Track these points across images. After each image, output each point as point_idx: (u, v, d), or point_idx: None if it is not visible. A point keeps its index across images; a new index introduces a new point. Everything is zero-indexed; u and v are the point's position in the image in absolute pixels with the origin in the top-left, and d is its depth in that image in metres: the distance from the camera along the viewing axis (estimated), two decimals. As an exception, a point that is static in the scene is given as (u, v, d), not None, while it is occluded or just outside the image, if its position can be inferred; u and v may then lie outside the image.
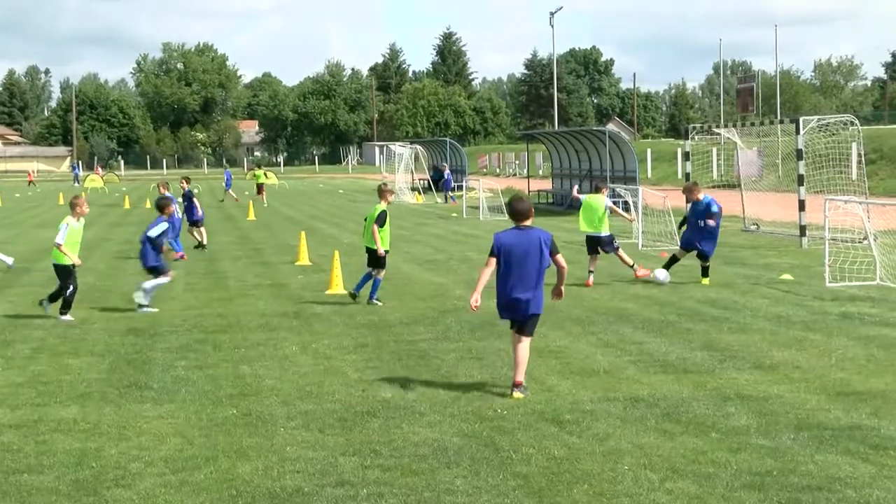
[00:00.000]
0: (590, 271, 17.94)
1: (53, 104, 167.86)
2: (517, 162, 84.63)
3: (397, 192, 52.94)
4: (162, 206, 15.95)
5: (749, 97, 66.40)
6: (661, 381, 10.36)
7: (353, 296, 15.91)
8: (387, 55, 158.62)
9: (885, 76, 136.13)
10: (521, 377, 9.80)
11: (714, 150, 43.00)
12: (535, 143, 66.37)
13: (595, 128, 54.74)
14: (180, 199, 26.64)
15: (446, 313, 14.97)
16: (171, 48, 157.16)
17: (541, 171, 71.61)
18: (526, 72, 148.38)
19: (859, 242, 20.45)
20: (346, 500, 6.91)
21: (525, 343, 9.85)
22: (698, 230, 17.68)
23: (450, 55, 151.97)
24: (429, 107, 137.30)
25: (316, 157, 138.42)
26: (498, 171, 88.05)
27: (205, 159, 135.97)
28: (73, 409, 9.51)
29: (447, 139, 68.60)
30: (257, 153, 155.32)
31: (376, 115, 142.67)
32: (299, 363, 11.52)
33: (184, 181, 27.74)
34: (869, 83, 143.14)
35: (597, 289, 17.14)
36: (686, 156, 31.10)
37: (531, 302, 9.73)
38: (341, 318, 14.63)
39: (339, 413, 9.18)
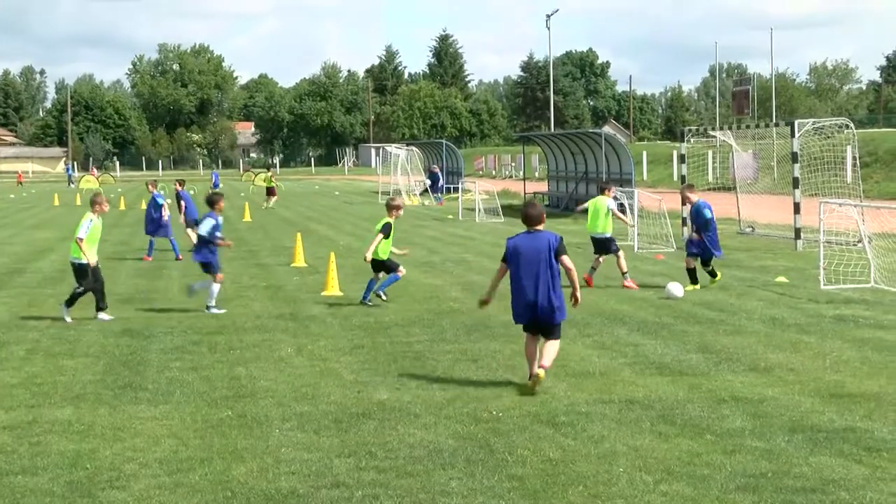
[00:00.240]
0: (592, 268, 17.98)
1: (48, 105, 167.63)
2: (513, 164, 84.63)
3: (392, 194, 52.98)
4: (213, 201, 15.74)
5: (745, 100, 66.48)
6: (657, 383, 10.37)
7: (376, 296, 15.99)
8: (383, 57, 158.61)
9: (879, 79, 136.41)
10: (547, 362, 9.95)
11: (710, 152, 43.06)
12: (531, 146, 66.40)
13: (591, 130, 54.80)
14: (170, 201, 26.66)
15: (442, 315, 14.98)
16: (167, 49, 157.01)
17: (537, 174, 71.62)
18: (522, 74, 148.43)
19: (854, 245, 20.50)
20: (341, 502, 6.91)
21: (553, 343, 10.07)
22: (697, 238, 17.35)
23: (446, 57, 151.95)
24: (425, 109, 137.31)
25: (312, 159, 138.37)
26: (494, 173, 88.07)
27: (200, 161, 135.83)
28: (67, 410, 9.50)
29: (443, 141, 68.63)
30: (253, 154, 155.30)
31: (372, 117, 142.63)
32: (295, 365, 11.52)
33: (178, 183, 27.77)
34: (864, 86, 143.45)
35: (592, 291, 17.15)
36: (682, 158, 31.15)
37: (548, 309, 9.89)
38: (337, 320, 14.63)
39: (335, 415, 9.18)
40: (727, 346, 12.31)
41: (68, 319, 14.59)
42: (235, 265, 22.81)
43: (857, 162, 28.37)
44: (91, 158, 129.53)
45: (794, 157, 24.88)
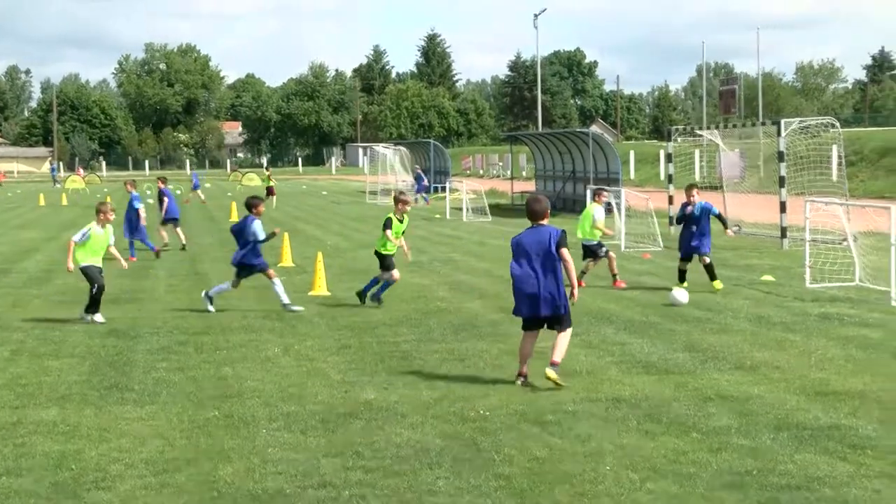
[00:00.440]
0: (582, 272, 17.97)
1: (34, 104, 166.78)
2: (501, 164, 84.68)
3: (381, 193, 52.94)
4: (252, 205, 15.64)
5: (731, 99, 66.64)
6: (643, 381, 10.40)
7: (371, 299, 15.92)
8: (371, 56, 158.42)
9: (865, 79, 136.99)
10: (558, 356, 10.07)
11: (696, 151, 43.14)
12: (518, 145, 66.41)
13: (579, 129, 54.85)
14: (151, 201, 26.61)
15: (429, 315, 14.98)
16: (153, 49, 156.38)
17: (524, 173, 71.65)
18: (510, 73, 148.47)
19: (839, 244, 20.57)
20: (328, 502, 6.91)
21: (564, 333, 10.17)
22: (698, 235, 17.11)
23: (434, 56, 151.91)
24: (413, 108, 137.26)
25: (299, 159, 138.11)
26: (482, 172, 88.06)
27: (187, 160, 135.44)
28: (52, 411, 9.46)
29: (431, 141, 68.59)
30: (240, 154, 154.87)
31: (360, 117, 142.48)
32: (281, 365, 11.51)
33: (160, 181, 27.75)
34: (850, 86, 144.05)
35: (580, 290, 17.14)
36: (669, 157, 31.24)
37: (550, 299, 9.99)
38: (324, 320, 14.62)
39: (322, 415, 9.17)
40: (713, 344, 12.35)
41: (99, 319, 14.42)
42: (222, 265, 22.75)
43: (843, 161, 28.50)
44: (77, 158, 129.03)
45: (781, 157, 24.97)
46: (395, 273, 15.93)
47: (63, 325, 14.36)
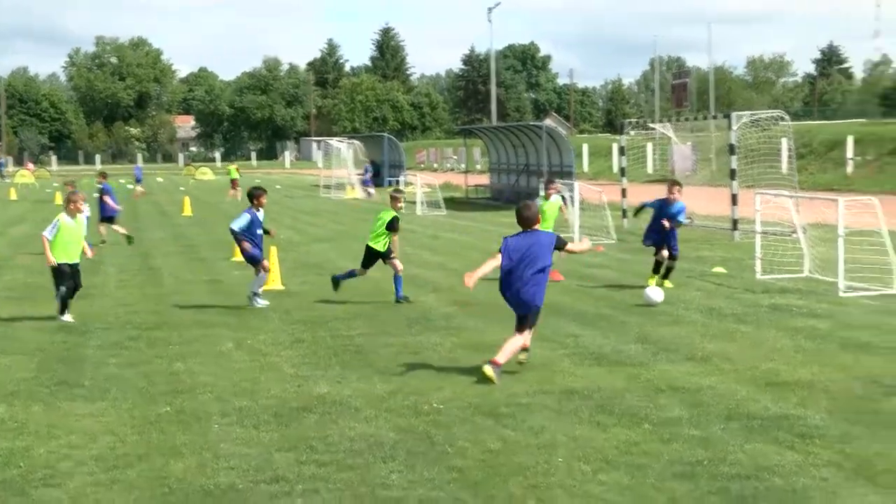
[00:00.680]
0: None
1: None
2: (455, 157, 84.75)
3: (334, 187, 52.75)
4: (254, 195, 15.36)
5: (683, 93, 67.33)
6: (596, 373, 10.47)
7: (398, 301, 15.58)
8: (325, 50, 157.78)
9: (814, 73, 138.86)
10: (501, 359, 10.14)
11: (649, 144, 43.48)
12: (472, 139, 66.52)
13: (532, 123, 55.04)
14: (95, 195, 26.30)
15: (383, 308, 14.97)
16: (104, 42, 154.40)
17: (479, 167, 71.79)
18: (464, 67, 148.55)
19: (789, 236, 20.85)
20: (281, 497, 6.88)
21: (519, 335, 10.33)
22: (667, 230, 16.69)
23: (388, 50, 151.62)
24: (367, 102, 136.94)
25: (253, 153, 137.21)
26: (436, 166, 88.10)
27: (139, 154, 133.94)
28: None
29: (385, 134, 68.47)
30: (193, 148, 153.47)
31: (314, 111, 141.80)
32: (234, 359, 11.43)
33: (100, 176, 27.42)
34: (799, 79, 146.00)
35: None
36: (622, 150, 31.42)
37: (524, 306, 10.29)
38: (277, 314, 14.55)
39: (275, 409, 9.13)
40: (665, 336, 12.47)
41: (68, 319, 14.02)
42: (175, 260, 22.56)
43: (793, 153, 28.90)
44: (26, 152, 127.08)
45: (732, 149, 25.25)
46: (398, 263, 15.78)
47: (11, 322, 14.14)
